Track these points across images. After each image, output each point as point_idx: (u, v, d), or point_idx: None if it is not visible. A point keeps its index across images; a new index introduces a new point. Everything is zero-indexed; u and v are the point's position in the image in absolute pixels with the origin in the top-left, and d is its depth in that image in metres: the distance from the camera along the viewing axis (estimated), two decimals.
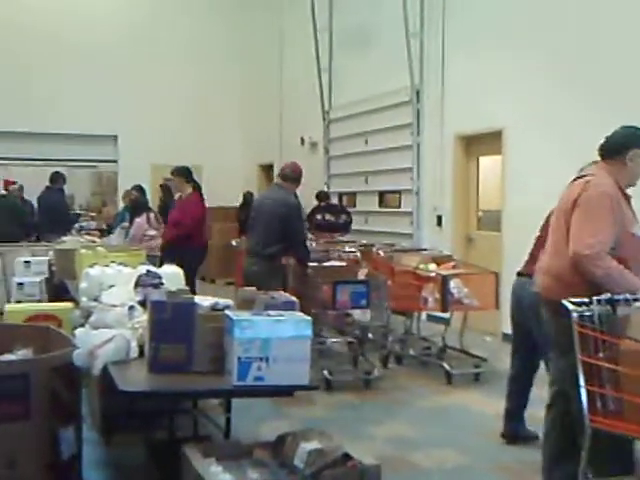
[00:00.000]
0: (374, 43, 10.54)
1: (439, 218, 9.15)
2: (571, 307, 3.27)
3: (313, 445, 3.06)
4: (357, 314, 6.62)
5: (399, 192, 10.16)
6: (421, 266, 6.65)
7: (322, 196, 11.16)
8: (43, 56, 13.86)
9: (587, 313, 3.26)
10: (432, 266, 6.66)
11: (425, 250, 7.99)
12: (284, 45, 13.70)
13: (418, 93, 9.55)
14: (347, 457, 3.06)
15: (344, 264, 7.32)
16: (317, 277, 6.32)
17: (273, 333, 3.10)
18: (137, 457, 4.14)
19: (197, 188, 8.22)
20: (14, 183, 12.36)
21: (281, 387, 3.15)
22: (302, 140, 12.96)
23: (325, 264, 7.05)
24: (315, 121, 12.25)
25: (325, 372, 5.88)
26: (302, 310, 3.49)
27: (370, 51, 10.63)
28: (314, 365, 3.38)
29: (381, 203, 10.84)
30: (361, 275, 6.89)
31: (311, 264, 6.54)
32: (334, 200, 11.70)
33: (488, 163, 8.73)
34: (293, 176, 6.50)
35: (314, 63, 11.92)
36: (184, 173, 8.05)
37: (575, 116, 6.89)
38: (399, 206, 10.22)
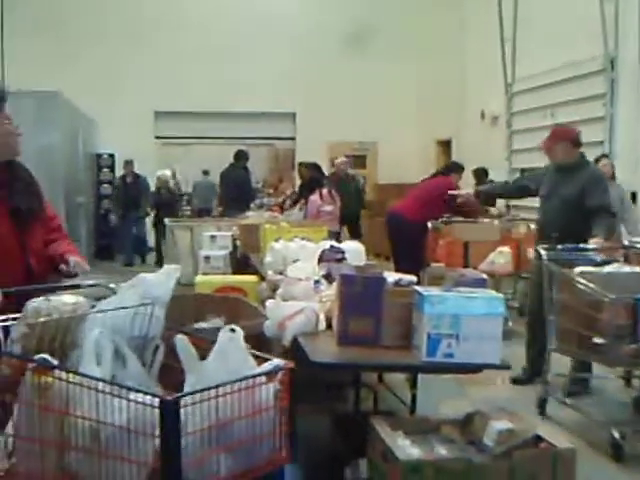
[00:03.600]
0: (560, 10, 10.05)
1: (633, 195, 8.61)
2: None
3: (503, 424, 2.98)
4: None
5: None
6: None
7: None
8: (233, 38, 14.34)
9: None
10: None
11: None
12: (465, 15, 13.39)
13: (612, 61, 9.01)
14: (539, 439, 2.96)
15: None
16: None
17: (464, 310, 3.04)
18: (322, 428, 4.21)
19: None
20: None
21: (471, 365, 3.08)
22: (482, 114, 12.63)
23: None
24: (497, 94, 11.90)
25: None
26: None
27: (557, 18, 10.13)
28: None
29: None
30: None
31: None
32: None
33: None
34: None
35: (497, 33, 11.55)
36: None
37: None
38: None
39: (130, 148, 12.97)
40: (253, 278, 5.17)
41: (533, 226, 7.65)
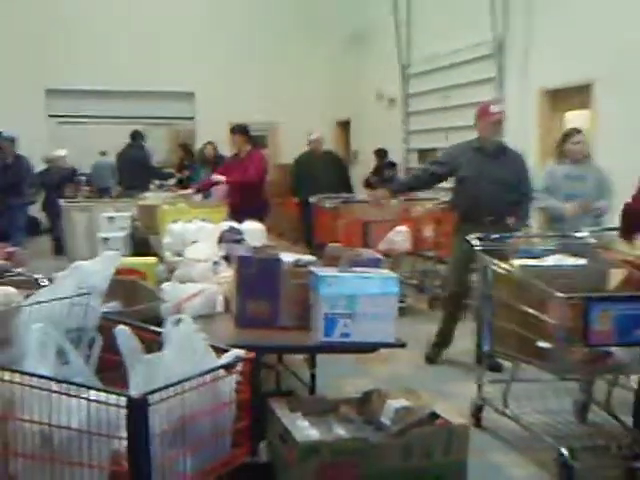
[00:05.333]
0: None
1: None
2: None
3: (400, 403, 3.03)
4: None
5: None
6: None
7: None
8: (121, 15, 13.98)
9: None
10: None
11: None
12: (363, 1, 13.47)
13: (501, 46, 9.26)
14: (435, 416, 3.02)
15: None
16: None
17: (359, 290, 3.07)
18: None
19: (256, 145, 8.16)
20: None
21: (367, 344, 3.12)
22: (379, 96, 12.77)
23: None
24: (393, 76, 12.04)
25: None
26: None
27: (451, 3, 10.32)
28: None
29: None
30: None
31: None
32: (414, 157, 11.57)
33: (575, 118, 8.42)
34: None
35: (392, 16, 11.67)
36: (244, 131, 7.92)
37: None
38: None
39: (18, 127, 12.43)
40: (152, 260, 5.05)
41: (437, 205, 7.85)
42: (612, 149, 7.10)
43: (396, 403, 2.99)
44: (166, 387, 1.92)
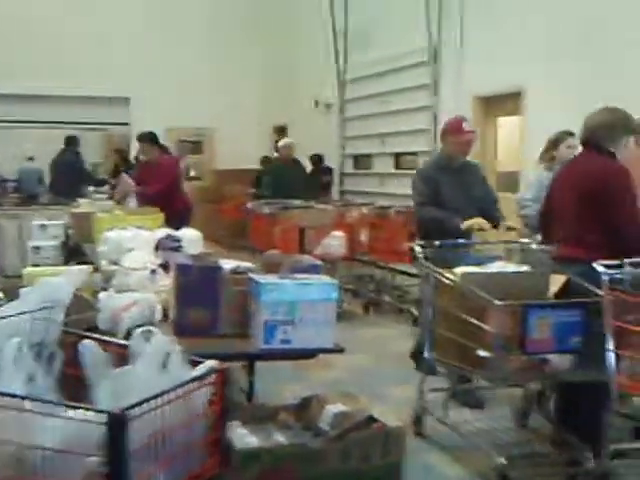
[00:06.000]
0: (391, 2, 10.38)
1: None
2: (602, 269, 3.26)
3: (338, 408, 3.07)
4: None
5: (415, 154, 10.08)
6: None
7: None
8: (54, 16, 13.73)
9: (618, 276, 3.26)
10: None
11: None
12: (299, 4, 13.53)
13: (436, 53, 9.43)
14: (372, 420, 3.07)
15: None
16: None
17: (299, 296, 3.10)
18: None
19: (165, 150, 8.12)
20: None
21: (307, 350, 3.15)
22: (316, 102, 12.85)
23: None
24: (330, 82, 12.13)
25: None
26: None
27: (387, 10, 10.46)
28: None
29: (397, 165, 10.77)
30: None
31: None
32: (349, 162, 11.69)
33: (507, 124, 8.64)
34: None
35: (330, 22, 11.76)
36: (152, 138, 7.87)
37: (594, 76, 6.78)
38: (415, 168, 10.14)
39: None
40: (86, 269, 4.99)
41: (372, 210, 7.94)
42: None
43: (334, 408, 3.03)
44: (144, 401, 1.89)
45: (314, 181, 10.80)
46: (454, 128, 5.19)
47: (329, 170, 11.88)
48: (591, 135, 3.97)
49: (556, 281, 3.80)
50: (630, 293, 3.26)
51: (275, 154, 11.73)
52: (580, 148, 4.17)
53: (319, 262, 3.68)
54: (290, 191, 8.90)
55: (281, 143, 9.99)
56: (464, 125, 5.19)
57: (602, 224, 3.81)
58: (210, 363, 2.20)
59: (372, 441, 2.99)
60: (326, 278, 3.32)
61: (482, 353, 3.52)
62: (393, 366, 5.73)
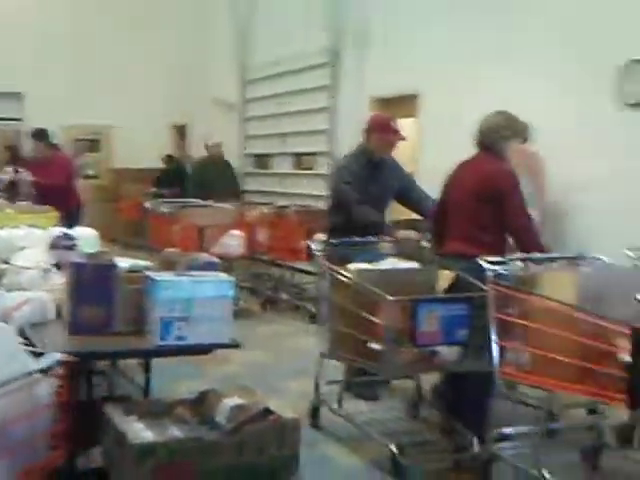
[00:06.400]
0: (292, 2, 10.47)
1: None
2: (486, 265, 3.44)
3: (234, 401, 3.12)
4: None
5: (315, 154, 10.21)
6: None
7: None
8: None
9: (502, 271, 3.45)
10: None
11: None
12: (203, 2, 13.45)
13: (336, 55, 9.57)
14: (268, 412, 3.13)
15: None
16: None
17: (195, 293, 3.14)
18: None
19: (56, 148, 8.02)
20: None
21: (203, 346, 3.19)
22: (218, 101, 12.80)
23: None
24: (232, 81, 12.12)
25: None
26: None
27: (289, 10, 10.54)
28: None
29: (297, 165, 10.87)
30: None
31: None
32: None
33: (403, 126, 8.84)
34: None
35: (232, 21, 11.76)
36: (43, 135, 7.73)
37: (487, 77, 7.05)
38: (315, 168, 10.28)
39: None
40: None
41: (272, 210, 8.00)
42: (436, 156, 7.54)
43: (231, 402, 3.08)
44: None
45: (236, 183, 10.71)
46: (382, 125, 5.10)
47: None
48: (483, 138, 4.20)
49: (445, 277, 3.99)
50: (513, 288, 3.44)
51: (179, 153, 11.69)
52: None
53: (216, 260, 3.72)
54: (219, 191, 8.77)
55: (211, 142, 9.81)
56: (393, 124, 5.13)
57: (494, 222, 4.06)
58: (55, 356, 2.20)
59: (268, 433, 3.05)
60: (222, 275, 3.37)
61: (375, 346, 3.69)
62: (290, 361, 5.82)
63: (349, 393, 4.79)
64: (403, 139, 5.25)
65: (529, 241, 4.02)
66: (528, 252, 3.89)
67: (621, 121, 5.87)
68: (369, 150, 5.12)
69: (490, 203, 4.05)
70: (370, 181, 5.05)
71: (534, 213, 4.49)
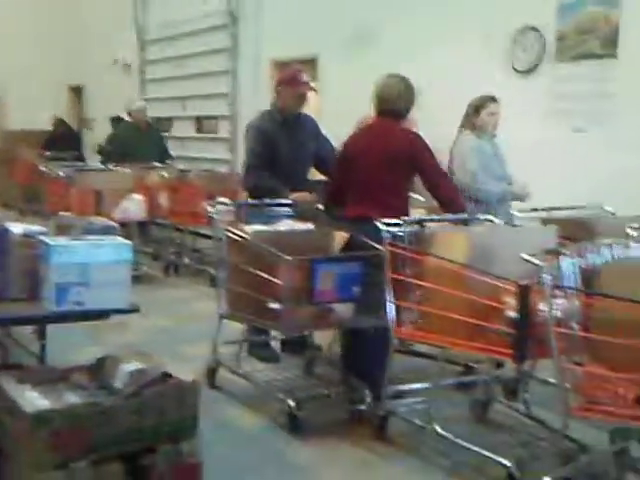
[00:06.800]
0: None
1: None
2: (383, 227, 3.53)
3: (133, 366, 3.10)
4: None
5: (216, 118, 10.11)
6: None
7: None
8: None
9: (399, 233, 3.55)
10: None
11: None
12: None
13: (234, 17, 9.45)
14: (167, 376, 3.13)
15: None
16: None
17: (92, 257, 3.09)
18: None
19: None
20: None
21: (101, 311, 3.15)
22: (115, 62, 12.47)
23: None
24: (129, 42, 11.81)
25: None
26: None
27: None
28: None
29: (198, 129, 10.74)
30: None
31: None
32: None
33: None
34: None
35: None
36: None
37: (384, 41, 7.13)
38: (216, 132, 10.19)
39: None
40: None
41: (173, 174, 7.88)
42: (336, 119, 7.59)
43: (129, 367, 3.06)
44: None
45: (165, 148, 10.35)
46: (290, 79, 4.93)
47: None
48: (388, 105, 4.24)
49: (339, 238, 4.09)
50: (408, 248, 3.54)
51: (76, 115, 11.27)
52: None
53: (113, 224, 3.66)
54: (143, 156, 8.44)
55: (134, 106, 9.22)
56: (300, 75, 4.96)
57: (404, 186, 4.21)
58: None
59: (167, 397, 3.04)
60: (120, 239, 3.32)
61: (273, 305, 3.75)
62: (191, 326, 5.81)
63: (251, 357, 4.88)
64: (312, 89, 5.12)
65: (453, 199, 4.15)
66: (452, 210, 4.05)
67: (512, 87, 6.08)
68: (281, 107, 4.96)
69: (401, 167, 4.13)
70: (283, 139, 4.89)
71: None
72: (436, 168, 4.19)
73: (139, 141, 8.84)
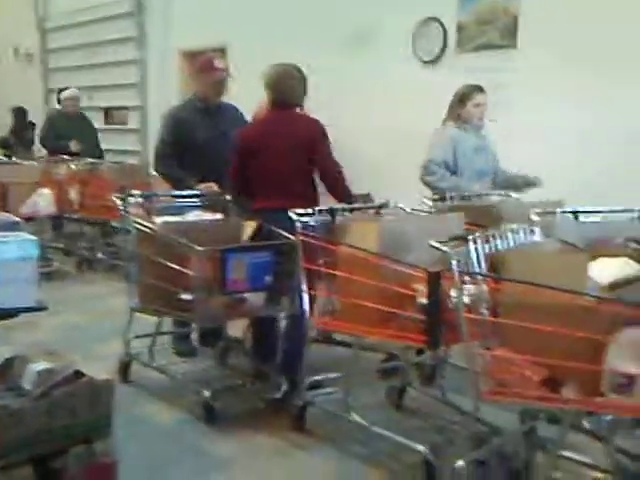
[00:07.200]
0: None
1: None
2: (295, 217, 3.54)
3: (42, 365, 3.02)
4: None
5: (127, 108, 9.91)
6: None
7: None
8: None
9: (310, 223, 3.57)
10: None
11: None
12: None
13: (140, 5, 9.27)
14: (79, 374, 3.07)
15: None
16: None
17: None
18: None
19: None
20: None
21: (7, 310, 3.04)
22: (16, 51, 12.05)
23: None
24: (29, 30, 11.42)
25: None
26: None
27: None
28: None
29: (107, 120, 10.50)
30: None
31: None
32: None
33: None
34: None
35: None
36: None
37: (289, 32, 7.13)
38: (126, 123, 9.99)
39: None
40: None
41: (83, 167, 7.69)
42: (247, 108, 7.56)
43: (37, 366, 2.98)
44: None
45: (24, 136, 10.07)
46: (205, 66, 4.87)
47: (33, 125, 11.23)
48: (283, 94, 4.24)
49: (249, 227, 4.12)
50: (320, 238, 3.56)
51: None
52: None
53: (17, 219, 3.55)
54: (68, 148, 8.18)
55: (65, 94, 8.77)
56: (216, 62, 4.90)
57: (310, 175, 4.21)
58: None
59: (79, 396, 2.98)
60: (25, 235, 3.22)
61: (185, 296, 3.75)
62: (104, 323, 5.68)
63: (170, 350, 4.89)
64: (229, 75, 4.99)
65: (340, 187, 4.19)
66: (338, 198, 4.12)
67: (418, 77, 6.18)
68: (202, 96, 4.89)
69: (306, 153, 4.16)
70: (202, 128, 4.79)
71: None
72: (328, 154, 4.20)
73: (70, 132, 8.49)
